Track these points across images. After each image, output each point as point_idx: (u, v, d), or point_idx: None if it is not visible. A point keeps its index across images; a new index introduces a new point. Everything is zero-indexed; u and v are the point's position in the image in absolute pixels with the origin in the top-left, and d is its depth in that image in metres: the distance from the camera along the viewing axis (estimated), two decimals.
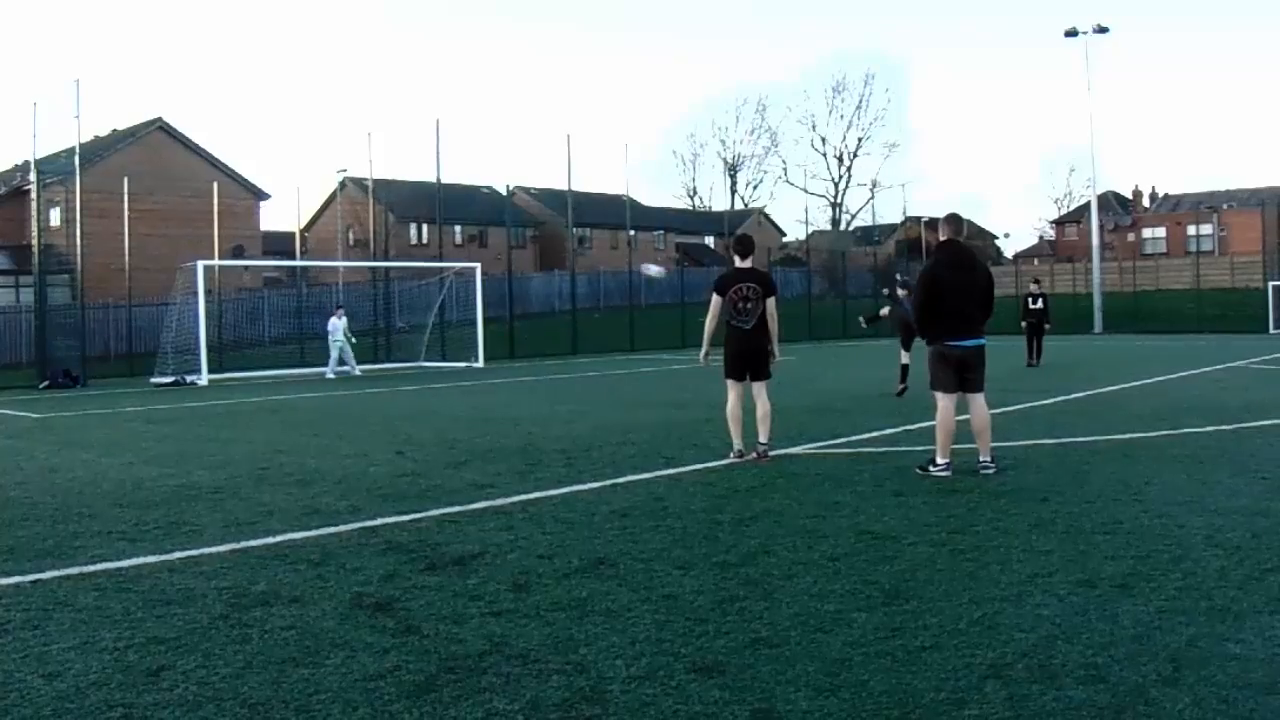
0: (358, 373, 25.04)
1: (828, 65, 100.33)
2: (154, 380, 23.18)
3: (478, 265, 29.17)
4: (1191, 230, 64.04)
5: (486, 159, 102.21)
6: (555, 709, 3.39)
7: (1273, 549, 5.31)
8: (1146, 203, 72.68)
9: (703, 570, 5.12)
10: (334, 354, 25.08)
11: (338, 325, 25.16)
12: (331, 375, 24.41)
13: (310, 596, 4.78)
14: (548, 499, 7.16)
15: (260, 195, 46.21)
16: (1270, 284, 41.75)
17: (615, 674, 3.70)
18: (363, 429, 12.21)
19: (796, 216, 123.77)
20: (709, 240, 68.99)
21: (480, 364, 26.76)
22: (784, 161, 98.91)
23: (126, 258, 28.71)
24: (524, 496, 7.25)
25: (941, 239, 8.23)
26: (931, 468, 7.89)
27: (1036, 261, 69.46)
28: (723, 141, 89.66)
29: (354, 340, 25.72)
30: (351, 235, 47.69)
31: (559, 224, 50.43)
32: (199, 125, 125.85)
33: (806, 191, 78.02)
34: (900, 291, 16.70)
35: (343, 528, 6.31)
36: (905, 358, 15.18)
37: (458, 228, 52.93)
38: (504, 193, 43.22)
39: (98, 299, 29.55)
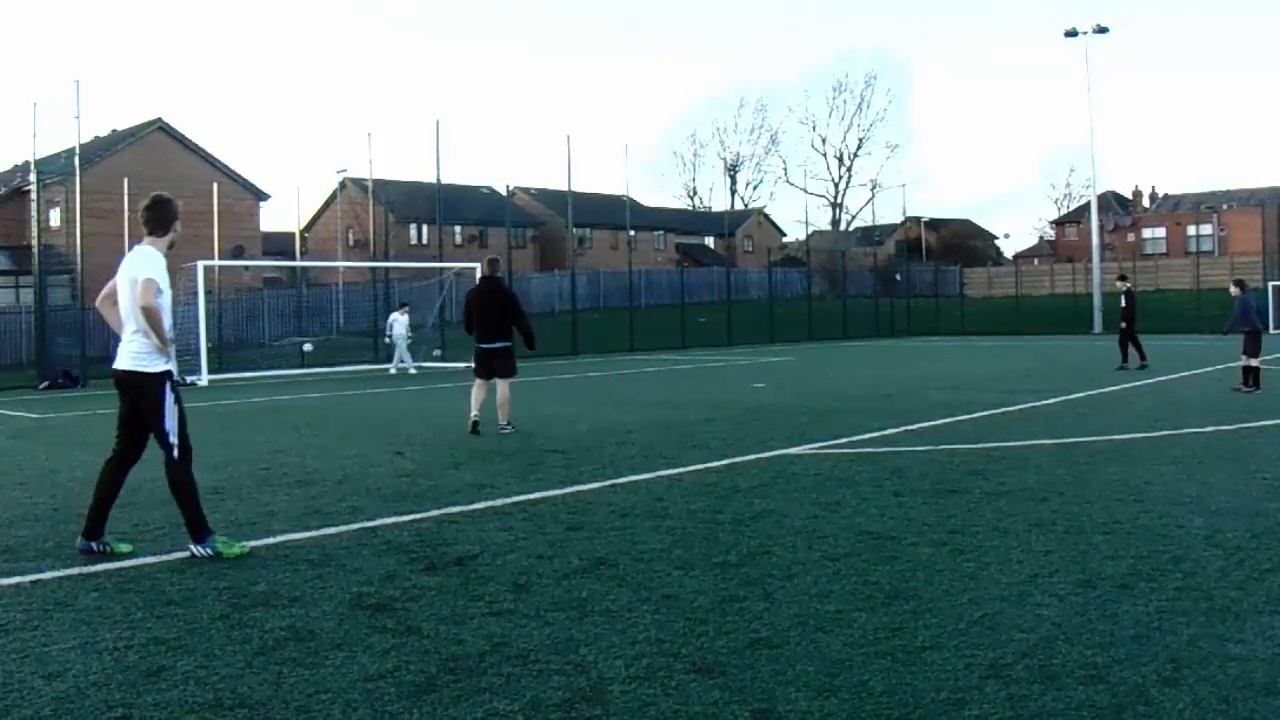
0: (412, 370, 25.46)
1: (829, 65, 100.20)
2: None
3: (478, 266, 29.11)
4: (1191, 230, 64.07)
5: (486, 159, 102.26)
6: (555, 709, 3.39)
7: (1273, 549, 5.31)
8: (1146, 203, 72.70)
9: (703, 570, 5.12)
10: (401, 348, 25.84)
11: (401, 321, 25.96)
12: (396, 370, 25.30)
13: (310, 597, 4.78)
14: (547, 499, 7.16)
15: (260, 196, 46.23)
16: (1270, 284, 41.74)
17: (615, 674, 3.70)
18: (363, 429, 12.21)
19: (796, 217, 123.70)
20: (709, 240, 68.99)
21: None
22: (784, 161, 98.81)
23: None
24: (524, 497, 7.25)
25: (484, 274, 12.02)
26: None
27: (1036, 261, 69.52)
28: (722, 142, 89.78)
29: (411, 337, 26.51)
30: (351, 235, 47.68)
31: (559, 224, 50.44)
32: (199, 125, 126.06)
33: (806, 192, 77.95)
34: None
35: (343, 528, 6.31)
36: None
37: (458, 228, 52.95)
38: (504, 193, 43.18)
39: (97, 299, 29.52)
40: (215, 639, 4.18)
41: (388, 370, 25.59)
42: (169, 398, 5.67)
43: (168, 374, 5.71)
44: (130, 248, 6.00)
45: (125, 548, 5.75)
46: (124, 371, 5.71)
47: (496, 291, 11.62)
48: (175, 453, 5.66)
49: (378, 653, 3.97)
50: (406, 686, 3.61)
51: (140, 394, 5.70)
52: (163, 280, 5.67)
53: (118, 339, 5.88)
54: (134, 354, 5.68)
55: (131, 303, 5.66)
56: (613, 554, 5.50)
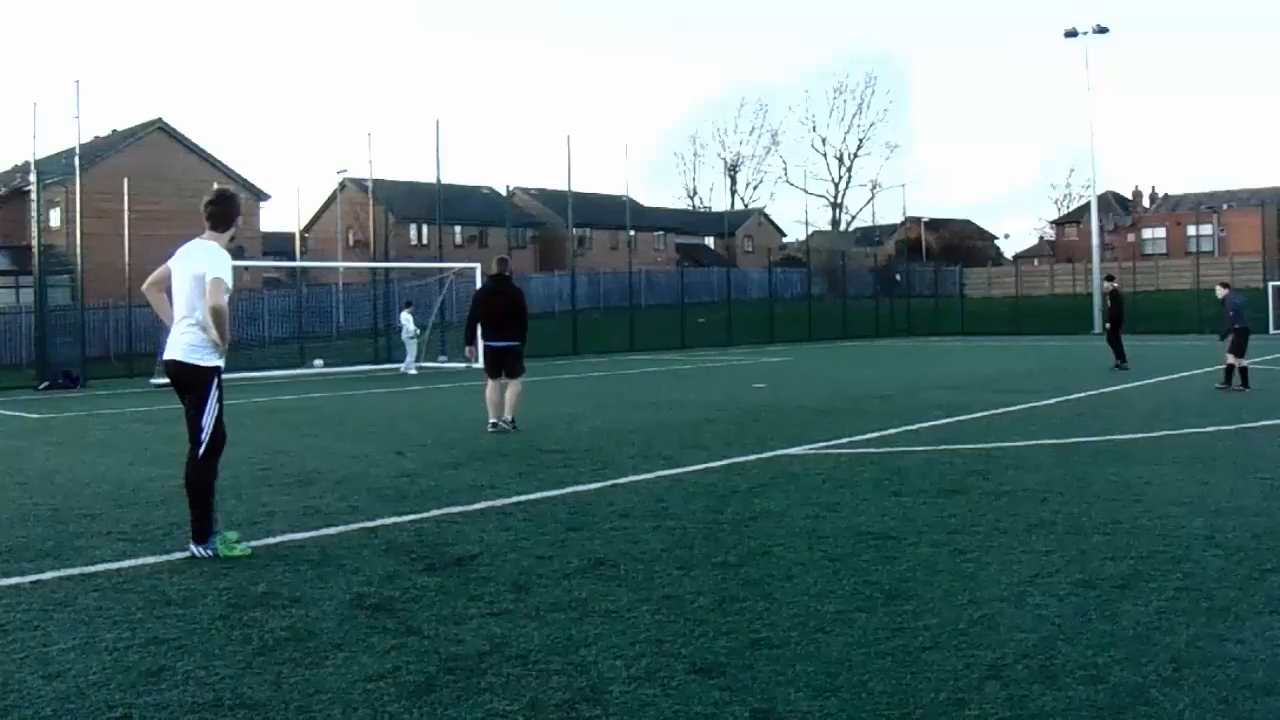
0: (412, 372, 25.40)
1: (829, 66, 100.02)
2: (154, 381, 23.12)
3: (478, 265, 29.11)
4: (1191, 231, 64.02)
5: (486, 159, 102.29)
6: (555, 709, 3.39)
7: (1273, 549, 5.31)
8: (1146, 203, 72.70)
9: (703, 571, 5.12)
10: (410, 348, 25.70)
11: (410, 319, 25.89)
12: (405, 369, 25.20)
13: (310, 597, 4.78)
14: (548, 499, 7.16)
15: (260, 196, 46.20)
16: (1270, 284, 41.76)
17: (615, 674, 3.70)
18: (363, 429, 12.21)
19: (796, 217, 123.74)
20: (709, 241, 69.00)
21: (481, 364, 26.72)
22: (784, 161, 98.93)
23: (126, 258, 28.68)
24: (524, 497, 7.25)
25: (492, 273, 12.20)
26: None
27: (1036, 262, 69.52)
28: (723, 142, 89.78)
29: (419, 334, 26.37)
30: (351, 236, 47.72)
31: (559, 224, 50.43)
32: (199, 126, 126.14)
33: (806, 192, 78.22)
34: None
35: (343, 528, 6.31)
36: None
37: (458, 228, 52.94)
38: (504, 193, 43.24)
39: (97, 300, 29.55)
40: (215, 639, 4.18)
41: (398, 369, 25.59)
42: (214, 394, 5.67)
43: (218, 369, 5.72)
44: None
45: (233, 535, 5.72)
46: (175, 362, 5.71)
47: (507, 290, 11.76)
48: (202, 450, 5.63)
49: (378, 653, 3.97)
50: (406, 687, 3.61)
51: (187, 386, 5.69)
52: (230, 279, 5.63)
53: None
54: (188, 345, 5.66)
55: (193, 296, 5.61)
56: (613, 554, 5.50)
